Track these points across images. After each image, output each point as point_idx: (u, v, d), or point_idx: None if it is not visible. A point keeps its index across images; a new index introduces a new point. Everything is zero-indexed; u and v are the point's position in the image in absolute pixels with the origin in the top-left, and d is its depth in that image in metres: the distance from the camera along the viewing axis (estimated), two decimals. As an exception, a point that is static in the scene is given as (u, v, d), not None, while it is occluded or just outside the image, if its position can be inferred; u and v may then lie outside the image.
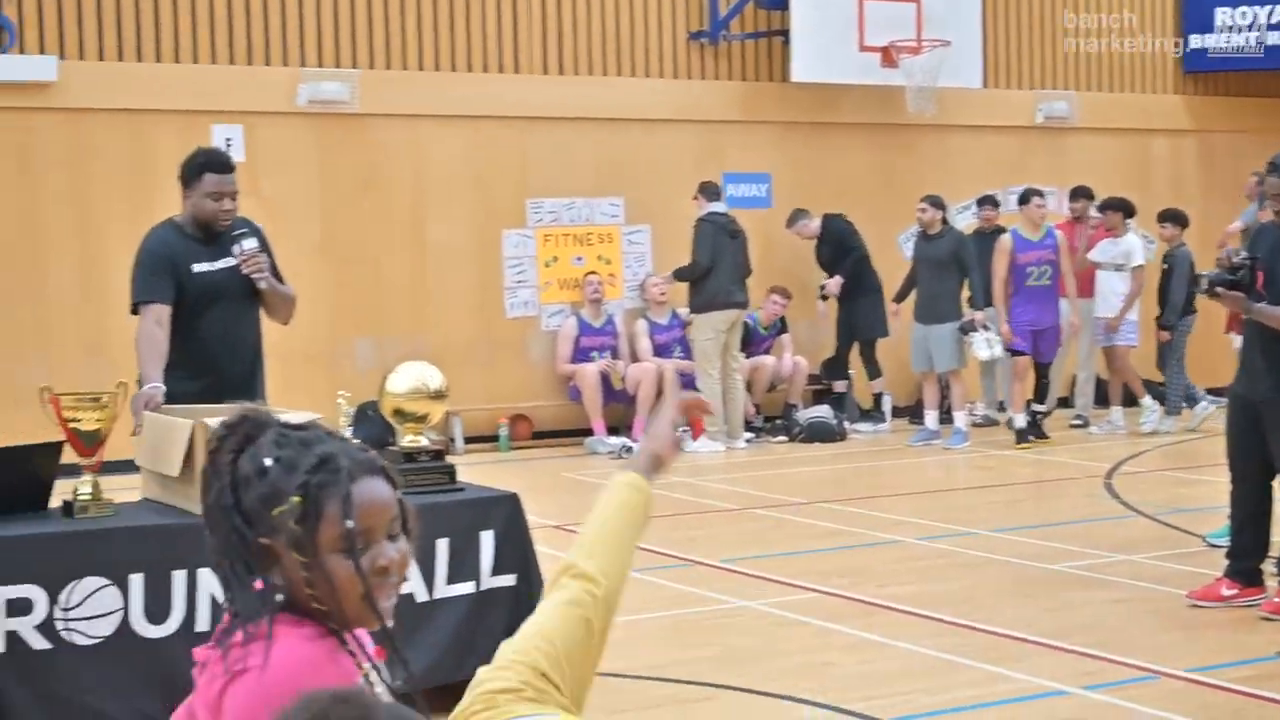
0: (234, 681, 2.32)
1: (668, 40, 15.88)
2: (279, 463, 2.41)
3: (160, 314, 6.59)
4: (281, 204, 14.08)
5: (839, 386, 15.79)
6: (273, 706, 2.02)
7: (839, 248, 15.66)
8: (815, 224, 15.79)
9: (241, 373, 6.75)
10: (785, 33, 16.04)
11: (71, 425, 5.56)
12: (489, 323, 15.06)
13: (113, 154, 13.53)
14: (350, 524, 2.38)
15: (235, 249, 6.69)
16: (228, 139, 13.80)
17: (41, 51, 13.36)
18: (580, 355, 15.00)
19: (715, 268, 14.44)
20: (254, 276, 6.69)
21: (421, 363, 6.28)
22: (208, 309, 6.69)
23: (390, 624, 2.46)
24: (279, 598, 2.42)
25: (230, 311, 6.75)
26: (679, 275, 14.87)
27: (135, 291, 6.69)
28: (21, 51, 13.31)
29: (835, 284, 15.54)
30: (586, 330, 15.09)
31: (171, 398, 6.34)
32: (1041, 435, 14.17)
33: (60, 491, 5.66)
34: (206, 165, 6.69)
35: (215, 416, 5.39)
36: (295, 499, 2.38)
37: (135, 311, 6.73)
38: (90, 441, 5.58)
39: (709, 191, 14.82)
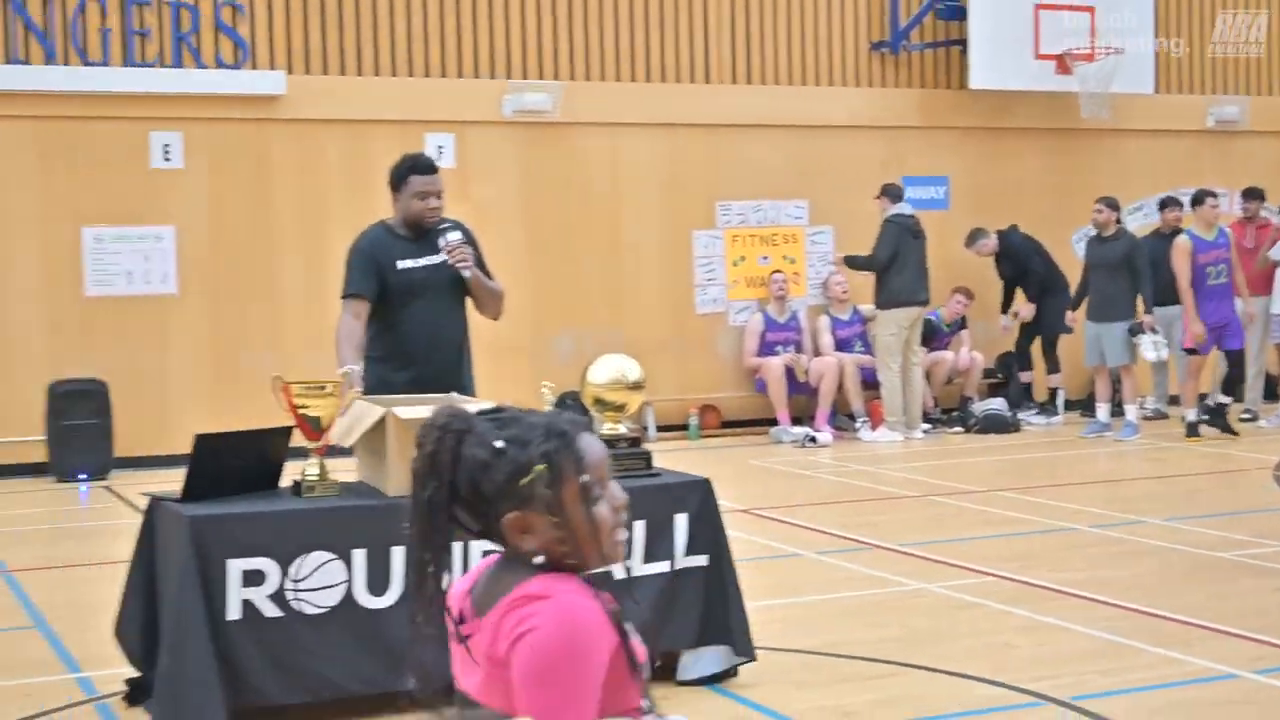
0: (522, 640, 2.39)
1: (850, 51, 15.78)
2: (511, 442, 2.50)
3: (358, 308, 6.67)
4: (488, 207, 14.26)
5: (1025, 377, 15.61)
6: (563, 656, 2.26)
7: (1018, 262, 15.46)
8: (993, 241, 15.57)
9: (446, 364, 6.76)
10: (963, 42, 15.85)
11: (300, 411, 5.67)
12: (680, 318, 15.09)
13: (335, 161, 13.81)
14: (586, 478, 2.50)
15: (441, 241, 6.71)
16: (439, 146, 14.01)
17: (272, 67, 13.69)
18: (766, 349, 14.97)
19: (901, 267, 14.30)
20: (459, 266, 6.70)
21: (620, 355, 6.30)
22: (411, 303, 6.72)
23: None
24: (538, 560, 2.50)
25: (434, 305, 6.76)
26: (852, 262, 14.72)
27: (342, 286, 6.79)
28: (254, 67, 13.65)
29: (1029, 310, 15.39)
30: (772, 325, 15.06)
31: (383, 387, 6.45)
32: (1228, 429, 13.84)
33: (290, 472, 5.80)
34: (413, 168, 6.76)
35: (409, 407, 5.53)
36: (540, 467, 2.48)
37: None
38: (317, 426, 5.69)
39: (892, 193, 14.67)
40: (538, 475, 2.48)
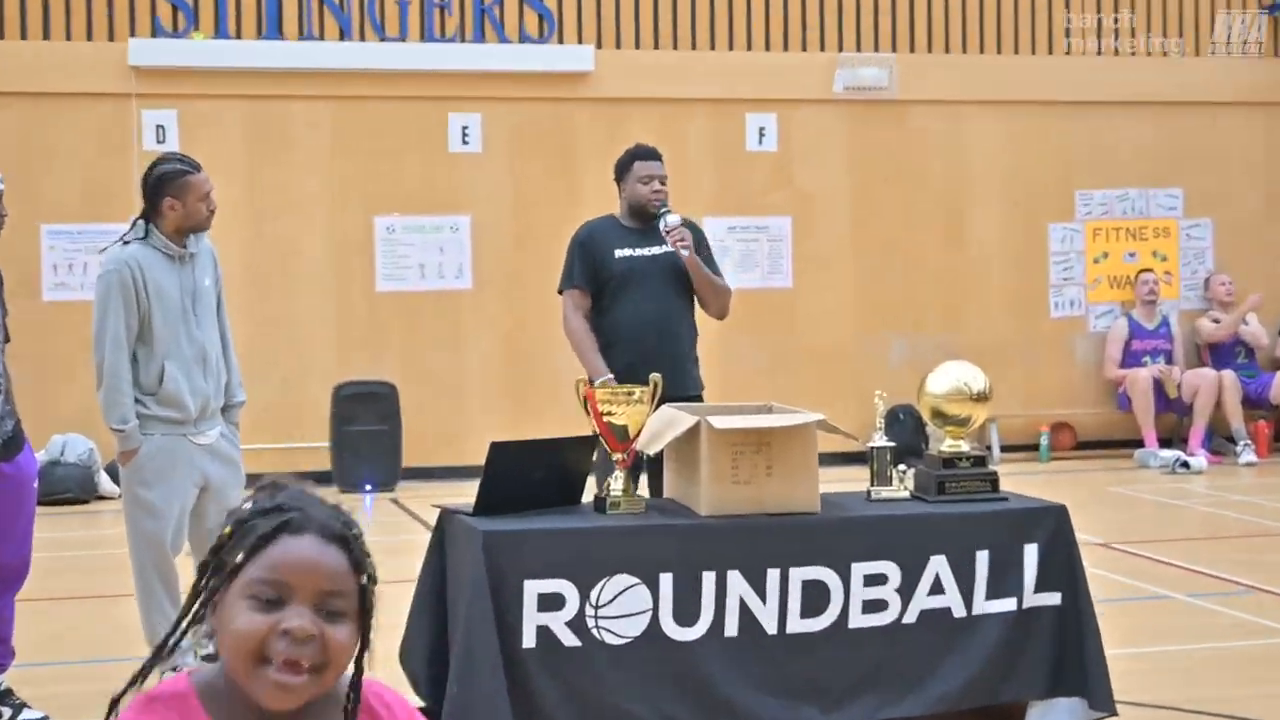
0: None
1: (1237, 11, 15.24)
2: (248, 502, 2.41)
3: (578, 299, 7.44)
4: (814, 195, 14.25)
5: None
6: None
7: None
8: None
9: (660, 354, 7.19)
10: (1373, 4, 15.19)
11: (606, 419, 5.71)
12: (1030, 323, 14.82)
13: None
14: (259, 573, 2.32)
15: (661, 225, 7.32)
16: (760, 128, 14.06)
17: (579, 41, 13.91)
18: (1131, 359, 14.60)
19: None
20: (678, 247, 7.27)
21: (963, 362, 6.20)
22: (627, 292, 7.36)
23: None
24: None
25: (650, 295, 7.38)
26: None
27: (560, 279, 7.54)
28: (560, 42, 13.90)
29: None
30: (1138, 332, 14.68)
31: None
32: None
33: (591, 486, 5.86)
34: (635, 155, 7.54)
35: (724, 416, 5.52)
36: (226, 530, 2.37)
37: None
38: (623, 436, 5.72)
39: None
40: (220, 538, 2.37)
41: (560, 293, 7.57)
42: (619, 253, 7.42)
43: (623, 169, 7.56)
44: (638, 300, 7.37)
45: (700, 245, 7.52)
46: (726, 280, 7.66)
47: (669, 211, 7.37)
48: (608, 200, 13.76)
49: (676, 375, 7.08)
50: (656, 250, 7.39)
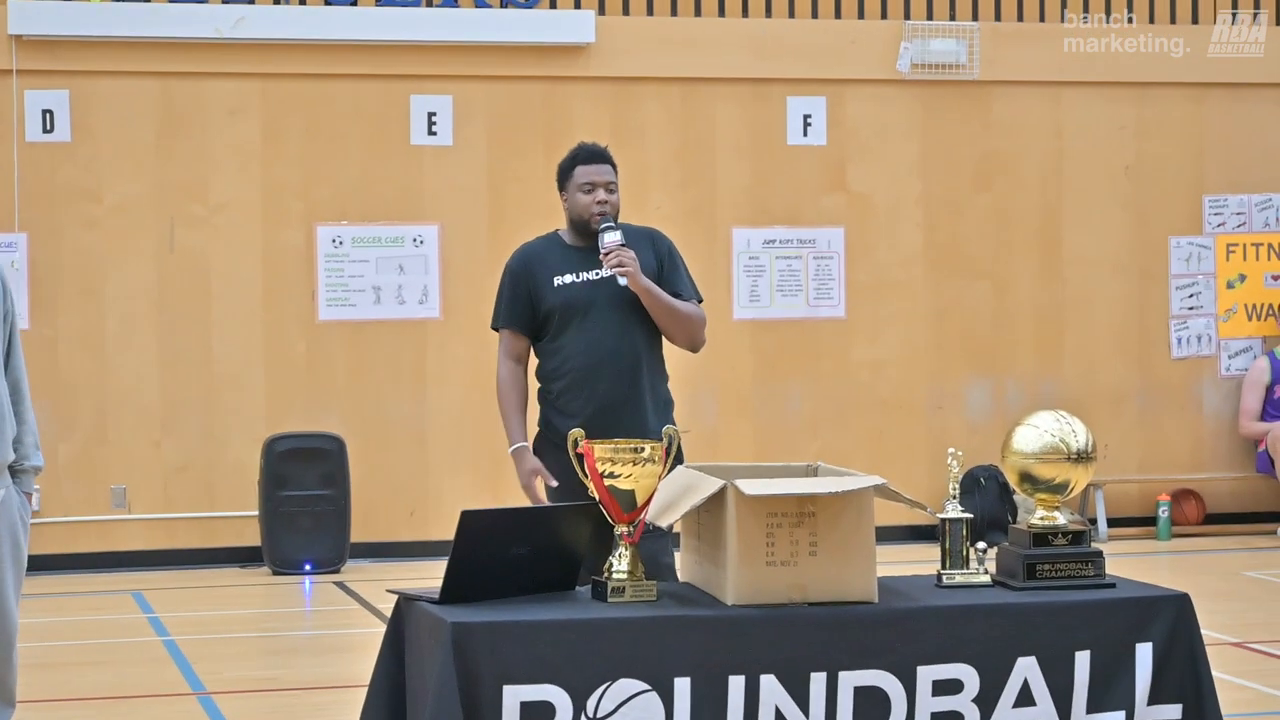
0: None
1: (1407, -24, 15.33)
2: None
3: (513, 344, 7.69)
4: (874, 200, 14.29)
5: None
6: None
7: None
8: None
9: (613, 399, 7.46)
10: None
11: (607, 482, 5.73)
12: (1146, 363, 14.84)
13: (662, 135, 13.99)
14: None
15: (600, 242, 7.44)
16: (806, 115, 14.10)
17: (576, 6, 13.96)
18: (1274, 410, 14.63)
19: None
20: (616, 273, 7.38)
21: (1060, 412, 6.23)
22: (570, 326, 7.53)
23: None
24: None
25: (598, 328, 7.52)
26: None
27: (492, 317, 7.71)
28: (553, 6, 13.94)
29: None
30: (1284, 376, 14.76)
31: (546, 429, 7.55)
32: None
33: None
34: (575, 158, 7.65)
35: (756, 480, 5.54)
36: None
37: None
38: (628, 504, 5.73)
39: None
40: None
41: (494, 329, 7.74)
42: (558, 280, 7.56)
43: (563, 176, 7.69)
44: (585, 336, 7.52)
45: (664, 262, 7.65)
46: (697, 304, 7.67)
47: (611, 227, 7.48)
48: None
49: (636, 427, 7.22)
50: (606, 272, 7.50)
